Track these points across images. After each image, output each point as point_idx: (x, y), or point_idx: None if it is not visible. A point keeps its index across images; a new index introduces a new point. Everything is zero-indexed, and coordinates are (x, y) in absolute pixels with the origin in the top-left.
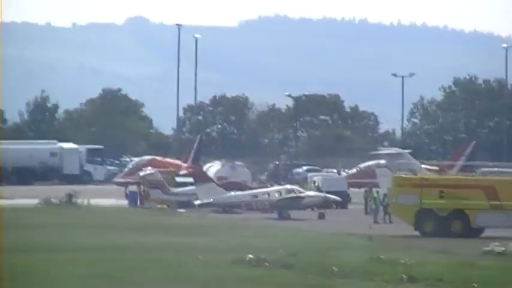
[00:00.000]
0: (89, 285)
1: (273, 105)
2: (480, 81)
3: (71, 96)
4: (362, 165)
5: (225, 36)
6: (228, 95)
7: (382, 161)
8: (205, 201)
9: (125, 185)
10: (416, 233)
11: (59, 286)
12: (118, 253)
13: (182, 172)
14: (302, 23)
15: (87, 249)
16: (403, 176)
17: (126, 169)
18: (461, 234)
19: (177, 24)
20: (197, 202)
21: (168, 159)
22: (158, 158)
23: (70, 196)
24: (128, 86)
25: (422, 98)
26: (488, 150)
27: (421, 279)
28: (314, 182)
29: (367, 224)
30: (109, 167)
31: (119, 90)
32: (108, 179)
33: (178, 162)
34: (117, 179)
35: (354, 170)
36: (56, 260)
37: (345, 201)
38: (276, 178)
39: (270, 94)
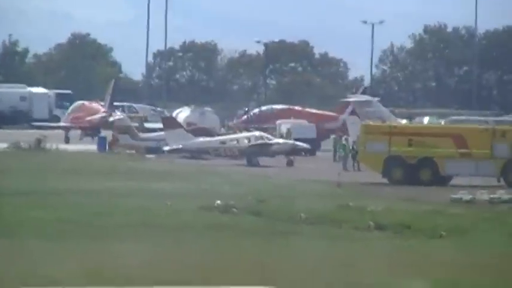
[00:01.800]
0: (55, 229)
1: (244, 51)
2: (450, 29)
3: (41, 40)
4: (256, 110)
5: None
6: (198, 41)
7: (277, 106)
8: (174, 147)
9: (66, 129)
10: (385, 180)
11: (25, 230)
12: (85, 198)
13: (98, 116)
14: None
15: (54, 193)
16: (372, 123)
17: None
18: (430, 182)
19: None
20: (166, 148)
21: (95, 104)
22: (86, 103)
23: (39, 141)
24: (98, 31)
25: (392, 45)
26: (456, 99)
27: (389, 227)
28: (288, 130)
29: (335, 172)
30: None
31: (88, 34)
32: None
33: (100, 107)
34: (61, 123)
35: (245, 116)
36: (22, 204)
37: (314, 148)
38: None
39: (240, 40)
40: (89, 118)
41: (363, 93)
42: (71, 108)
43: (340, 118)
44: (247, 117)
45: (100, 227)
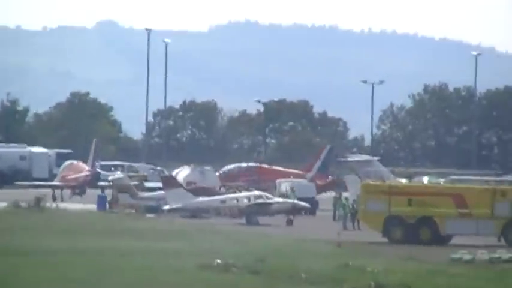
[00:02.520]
0: None
1: (244, 110)
2: (451, 88)
3: (41, 99)
4: (225, 168)
5: (195, 40)
6: (198, 100)
7: (244, 164)
8: (174, 206)
9: (54, 187)
10: (385, 239)
11: None
12: (84, 257)
13: (83, 175)
14: (272, 28)
15: (54, 253)
16: (372, 183)
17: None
18: (430, 242)
19: (146, 29)
20: (166, 207)
21: (81, 164)
22: (74, 162)
23: (38, 200)
24: (98, 90)
25: (392, 105)
26: (456, 158)
27: (389, 287)
28: (292, 189)
29: (335, 231)
30: None
31: (87, 94)
32: None
33: (84, 166)
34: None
35: (220, 173)
36: (22, 264)
37: (313, 207)
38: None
39: (239, 99)
40: (73, 177)
41: (329, 152)
42: (61, 167)
43: (307, 176)
44: (219, 175)
45: (100, 286)
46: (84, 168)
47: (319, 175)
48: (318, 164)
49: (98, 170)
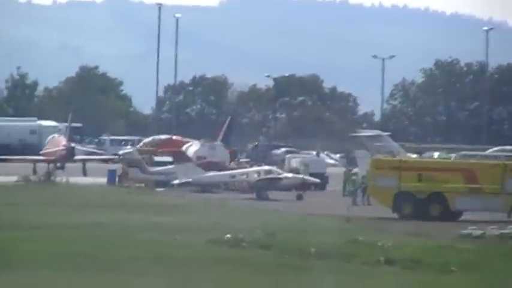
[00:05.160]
0: (65, 263)
1: (254, 85)
2: (462, 64)
3: (51, 73)
4: (145, 140)
5: (205, 16)
6: (208, 75)
7: (163, 137)
8: (184, 180)
9: (35, 161)
10: (395, 215)
11: (36, 264)
12: (95, 231)
13: (59, 149)
14: (282, 4)
15: (64, 227)
16: (382, 158)
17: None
18: (440, 217)
19: (157, 4)
20: (175, 181)
21: (61, 138)
22: (56, 135)
23: (49, 174)
24: (108, 64)
25: (404, 80)
26: (467, 134)
27: (399, 262)
28: (305, 164)
29: (345, 206)
30: (88, 146)
31: (96, 67)
32: None
33: (63, 140)
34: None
35: (140, 144)
36: (33, 238)
37: (323, 182)
38: (254, 159)
39: (249, 75)
40: (52, 150)
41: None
42: (46, 141)
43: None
44: (139, 147)
45: (110, 261)
46: (62, 143)
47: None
48: (221, 135)
49: (73, 144)
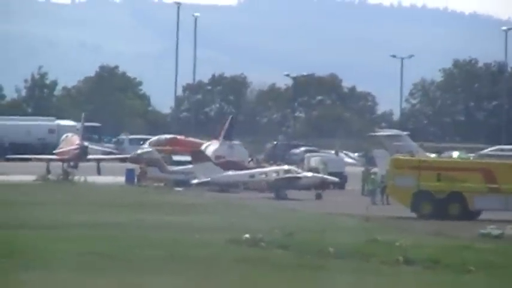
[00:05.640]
0: (84, 262)
1: (273, 84)
2: (480, 64)
3: (70, 73)
4: (151, 140)
5: (224, 15)
6: (227, 74)
7: (168, 136)
8: (203, 180)
9: (48, 160)
10: (414, 215)
11: (54, 263)
12: (114, 231)
13: (72, 148)
14: (302, 2)
15: (83, 226)
16: (401, 157)
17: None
18: (459, 217)
19: (176, 3)
20: (194, 181)
21: (75, 137)
22: (70, 135)
23: (67, 173)
24: (127, 63)
25: (423, 80)
26: (486, 133)
27: (418, 262)
28: (324, 163)
29: (364, 205)
30: (106, 145)
31: (116, 67)
32: None
33: (77, 139)
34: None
35: (147, 144)
36: (51, 237)
37: (342, 182)
38: (273, 158)
39: (268, 74)
40: (66, 149)
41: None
42: (61, 139)
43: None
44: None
45: (129, 260)
46: (75, 142)
47: None
48: (223, 133)
49: (86, 144)
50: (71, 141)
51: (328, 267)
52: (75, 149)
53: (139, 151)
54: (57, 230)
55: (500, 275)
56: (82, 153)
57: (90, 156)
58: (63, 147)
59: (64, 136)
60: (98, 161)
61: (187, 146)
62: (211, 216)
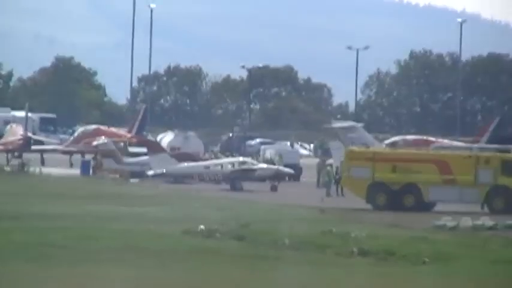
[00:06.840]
0: (39, 253)
1: (228, 76)
2: (435, 55)
3: (25, 64)
4: (78, 131)
5: (179, 6)
6: (182, 65)
7: (94, 126)
8: (158, 171)
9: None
10: (369, 206)
11: (9, 254)
12: (69, 222)
13: (16, 139)
14: None
15: (37, 217)
16: (356, 149)
17: (71, 138)
18: (414, 208)
19: None
20: (150, 172)
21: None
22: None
23: (22, 164)
24: (82, 54)
25: (378, 71)
26: (441, 124)
27: (372, 253)
28: (279, 155)
29: (319, 197)
30: (61, 136)
31: (72, 58)
32: None
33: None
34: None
35: (75, 135)
36: (4, 228)
37: (297, 173)
38: (229, 150)
39: (224, 65)
40: (10, 140)
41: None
42: (5, 130)
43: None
44: (73, 138)
45: (84, 251)
46: (19, 132)
47: (138, 135)
48: (137, 125)
49: (30, 134)
50: (15, 132)
51: (283, 259)
52: (19, 140)
53: (95, 142)
54: (11, 221)
55: (455, 266)
56: (26, 144)
57: (33, 147)
58: (8, 138)
59: (8, 127)
60: (42, 151)
61: (109, 137)
62: (167, 208)
